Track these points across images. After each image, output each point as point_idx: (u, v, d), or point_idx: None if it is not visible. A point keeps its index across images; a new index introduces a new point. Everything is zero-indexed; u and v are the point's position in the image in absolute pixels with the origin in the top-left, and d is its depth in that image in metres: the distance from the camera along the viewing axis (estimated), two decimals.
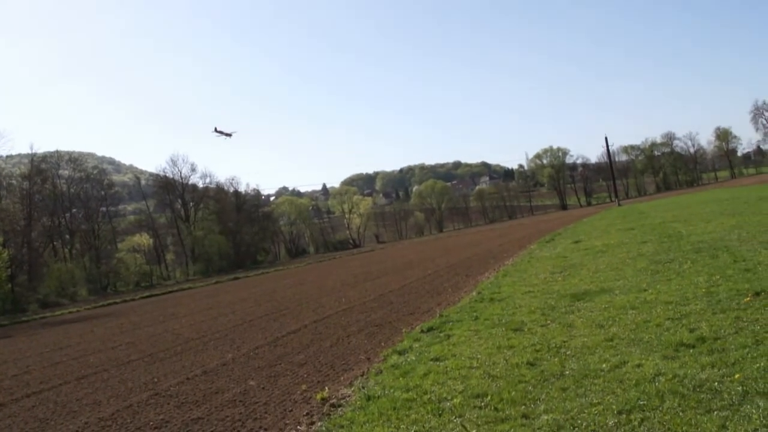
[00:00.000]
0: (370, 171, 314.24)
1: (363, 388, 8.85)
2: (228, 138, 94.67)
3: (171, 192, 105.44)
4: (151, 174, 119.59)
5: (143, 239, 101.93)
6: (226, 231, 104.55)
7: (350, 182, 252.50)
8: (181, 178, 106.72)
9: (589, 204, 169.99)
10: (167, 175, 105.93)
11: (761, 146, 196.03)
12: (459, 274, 25.37)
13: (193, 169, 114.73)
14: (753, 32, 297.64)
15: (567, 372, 7.62)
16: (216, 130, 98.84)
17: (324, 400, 8.72)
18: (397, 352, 10.81)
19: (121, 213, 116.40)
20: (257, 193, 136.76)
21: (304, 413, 8.35)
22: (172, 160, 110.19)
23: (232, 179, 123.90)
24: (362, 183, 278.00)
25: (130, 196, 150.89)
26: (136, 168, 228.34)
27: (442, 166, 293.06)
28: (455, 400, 7.36)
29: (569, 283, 15.30)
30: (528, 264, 22.50)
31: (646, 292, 11.87)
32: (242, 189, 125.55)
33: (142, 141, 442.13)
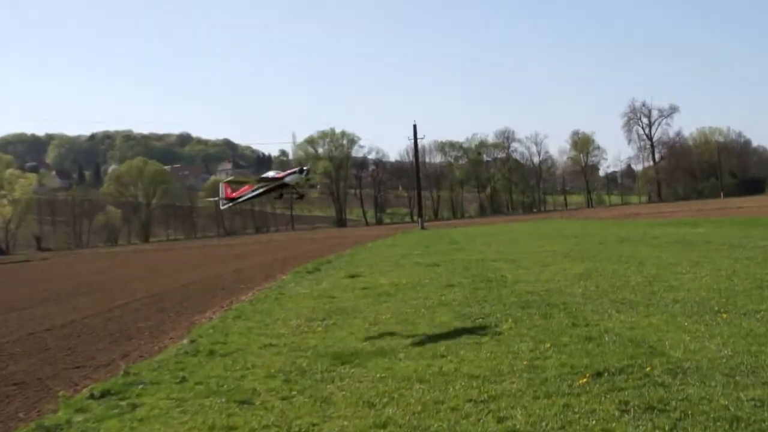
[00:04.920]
0: (41, 133, 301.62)
1: None
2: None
3: None
4: None
5: None
6: None
7: (5, 146, 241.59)
8: None
9: (380, 221, 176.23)
10: None
11: (633, 165, 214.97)
12: (166, 309, 25.09)
13: None
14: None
15: None
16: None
17: None
18: (44, 429, 10.40)
19: None
20: None
21: None
22: None
23: None
24: (25, 150, 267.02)
25: None
26: None
27: (162, 138, 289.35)
28: None
29: (333, 336, 15.69)
30: (275, 303, 22.80)
31: (443, 359, 12.44)
32: None
33: None
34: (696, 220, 62.89)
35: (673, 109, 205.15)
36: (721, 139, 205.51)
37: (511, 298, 19.28)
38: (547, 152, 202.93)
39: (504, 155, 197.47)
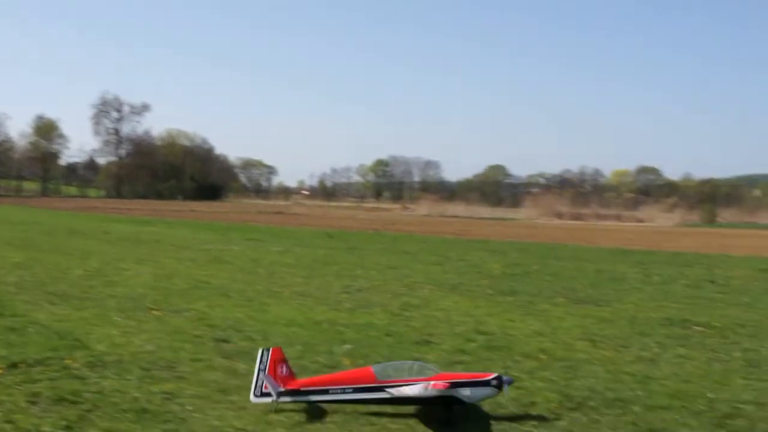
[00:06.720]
0: None
1: None
2: None
3: None
4: None
5: None
6: None
7: None
8: None
9: None
10: None
11: (97, 158, 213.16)
12: None
13: None
14: None
15: None
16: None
17: None
18: None
19: None
20: None
21: None
22: None
23: None
24: None
25: None
26: None
27: None
28: None
29: None
30: None
31: None
32: None
33: None
34: (151, 219, 64.25)
35: (145, 108, 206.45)
36: (187, 143, 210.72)
37: None
38: (7, 134, 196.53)
39: None
